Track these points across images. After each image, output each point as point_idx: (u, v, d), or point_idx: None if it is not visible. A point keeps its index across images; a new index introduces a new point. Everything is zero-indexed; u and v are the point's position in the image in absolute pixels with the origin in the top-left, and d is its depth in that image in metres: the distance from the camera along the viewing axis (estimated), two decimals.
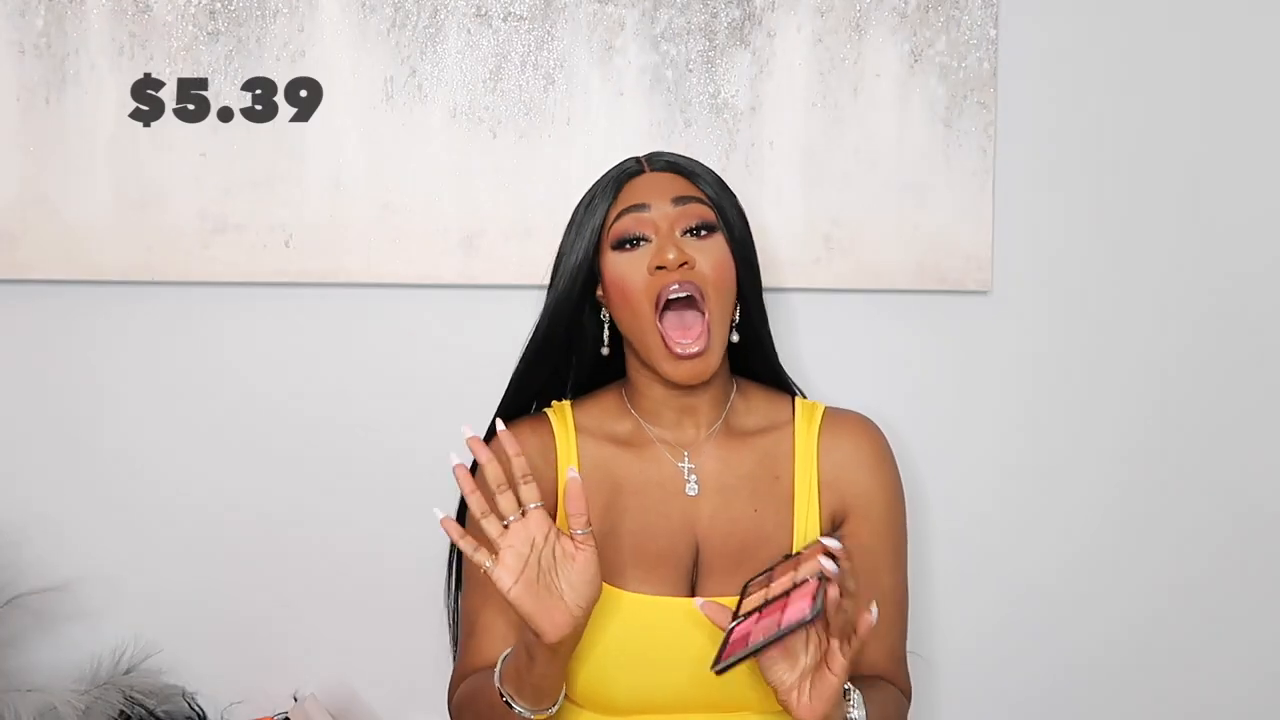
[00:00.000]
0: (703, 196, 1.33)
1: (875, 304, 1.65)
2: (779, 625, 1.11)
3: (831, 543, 1.13)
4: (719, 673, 1.14)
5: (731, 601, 1.25)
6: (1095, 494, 1.68)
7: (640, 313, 1.31)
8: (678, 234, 1.31)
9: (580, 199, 1.37)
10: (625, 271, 1.31)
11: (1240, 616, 1.69)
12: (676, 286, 1.29)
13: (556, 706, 1.24)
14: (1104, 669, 1.70)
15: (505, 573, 1.16)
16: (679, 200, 1.32)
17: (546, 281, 1.55)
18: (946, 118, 1.62)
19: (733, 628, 1.18)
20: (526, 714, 1.22)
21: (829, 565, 1.11)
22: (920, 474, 1.64)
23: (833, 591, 1.11)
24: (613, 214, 1.32)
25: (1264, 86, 1.64)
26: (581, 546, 1.17)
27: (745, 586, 1.25)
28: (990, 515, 1.68)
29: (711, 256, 1.31)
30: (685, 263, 1.29)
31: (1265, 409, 1.68)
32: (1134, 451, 1.68)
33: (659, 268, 1.29)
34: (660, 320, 1.30)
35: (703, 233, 1.31)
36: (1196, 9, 1.63)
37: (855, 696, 1.21)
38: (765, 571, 1.24)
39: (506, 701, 1.22)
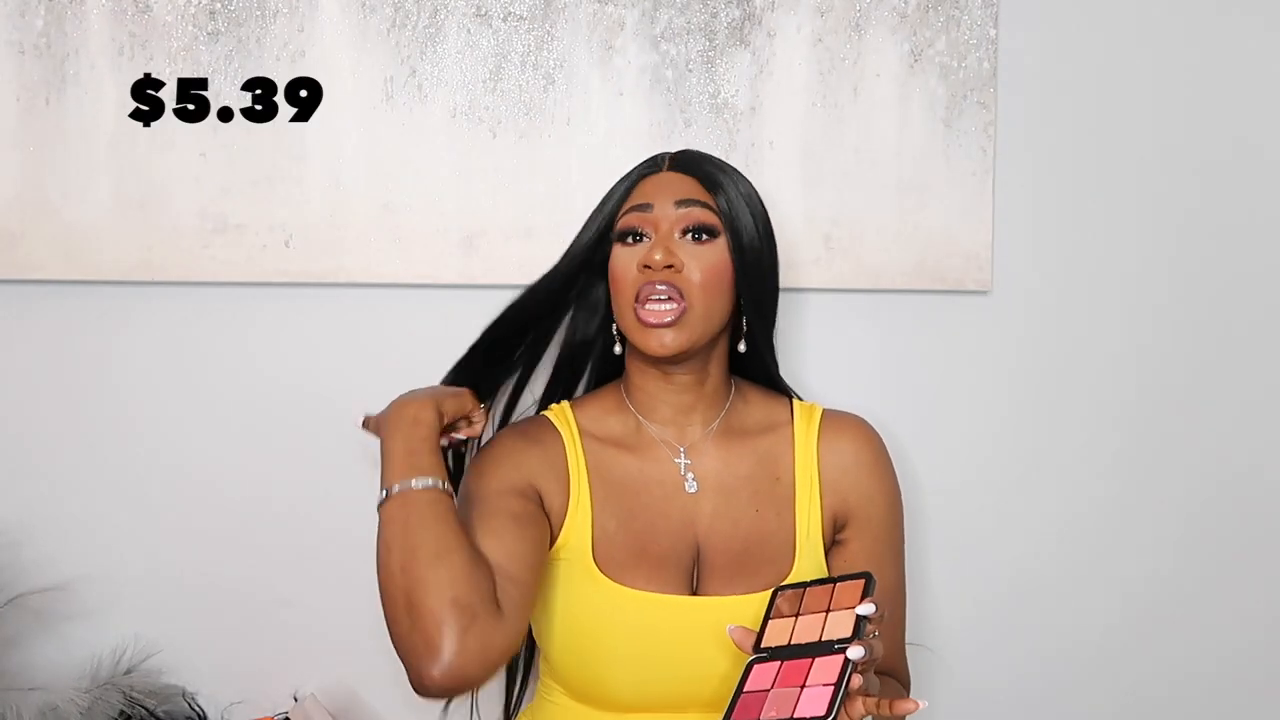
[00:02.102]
0: (709, 201, 1.33)
1: (875, 304, 1.65)
2: (792, 712, 1.12)
3: (866, 608, 1.15)
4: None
5: (740, 607, 1.26)
6: (1093, 490, 1.69)
7: (622, 301, 1.33)
8: (676, 235, 1.32)
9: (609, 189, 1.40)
10: (620, 263, 1.34)
11: (1232, 606, 1.70)
12: (660, 287, 1.30)
13: (432, 482, 1.22)
14: (1103, 665, 1.70)
15: None
16: (682, 203, 1.33)
17: None
18: (946, 118, 1.62)
19: (751, 664, 1.19)
20: (398, 488, 1.21)
21: (857, 653, 1.12)
22: (919, 474, 1.64)
23: (855, 681, 1.12)
24: (622, 209, 1.35)
25: (1264, 86, 1.65)
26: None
27: (774, 594, 1.25)
28: (989, 514, 1.69)
29: (704, 262, 1.31)
30: (671, 265, 1.30)
31: (1263, 405, 1.68)
32: (1132, 448, 1.68)
33: (646, 266, 1.31)
34: (637, 302, 1.31)
35: (702, 237, 1.32)
36: (1196, 9, 1.63)
37: None
38: (800, 586, 1.24)
39: (385, 494, 1.22)
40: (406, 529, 1.18)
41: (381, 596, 1.17)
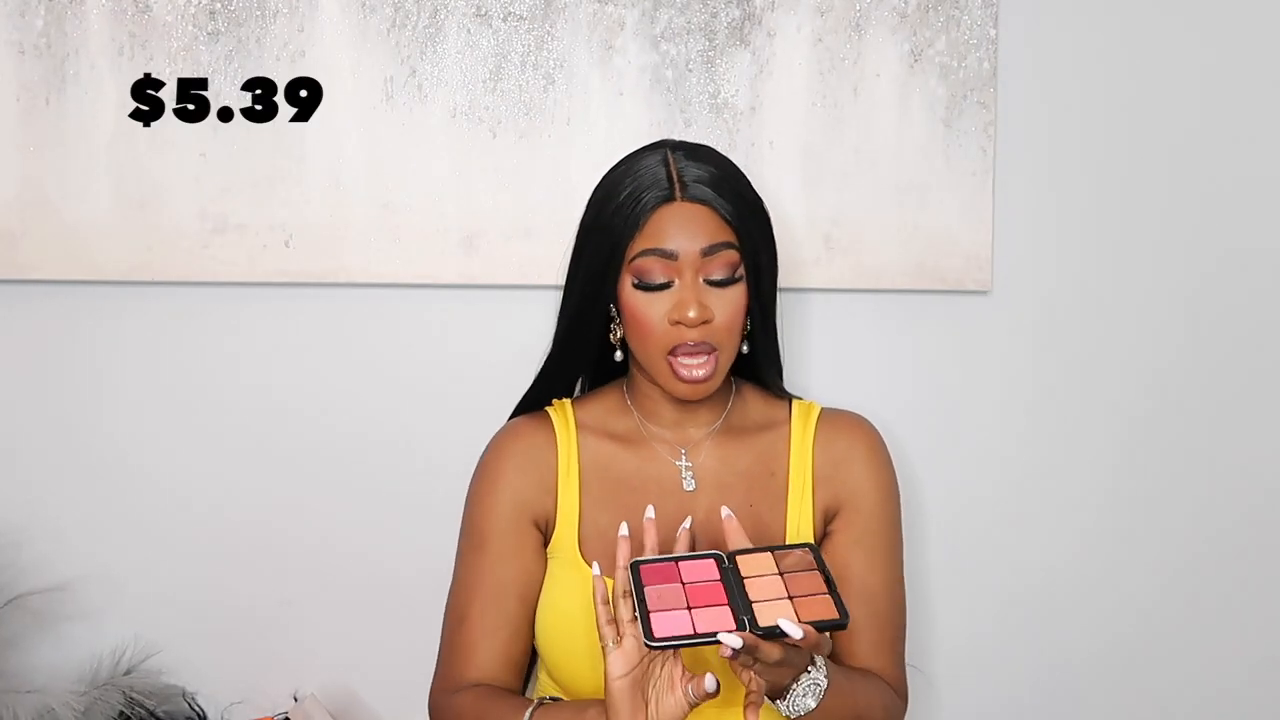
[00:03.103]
0: (732, 239, 1.30)
1: (875, 304, 1.65)
2: (650, 609, 1.16)
3: (793, 630, 1.12)
4: (651, 645, 1.14)
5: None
6: (1094, 492, 1.69)
7: (652, 349, 1.31)
8: (701, 280, 1.29)
9: (605, 185, 1.34)
10: (643, 310, 1.30)
11: (1233, 611, 1.70)
12: (693, 344, 1.29)
13: None
14: (1105, 665, 1.70)
15: (621, 659, 1.18)
16: (709, 250, 1.28)
17: (550, 282, 1.55)
18: (946, 118, 1.62)
19: (711, 555, 1.21)
20: None
21: (730, 639, 1.11)
22: (919, 474, 1.64)
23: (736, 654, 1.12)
24: (637, 245, 1.29)
25: (1263, 86, 1.64)
26: (686, 685, 1.18)
27: (807, 546, 1.23)
28: (989, 514, 1.69)
29: (730, 306, 1.30)
30: (706, 320, 1.28)
31: (1263, 407, 1.68)
32: (1132, 450, 1.68)
33: (678, 322, 1.29)
34: (672, 355, 1.30)
35: (726, 283, 1.30)
36: (1196, 9, 1.63)
37: (820, 660, 1.20)
38: (822, 568, 1.21)
39: None
40: None
41: None
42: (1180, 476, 1.68)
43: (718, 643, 1.11)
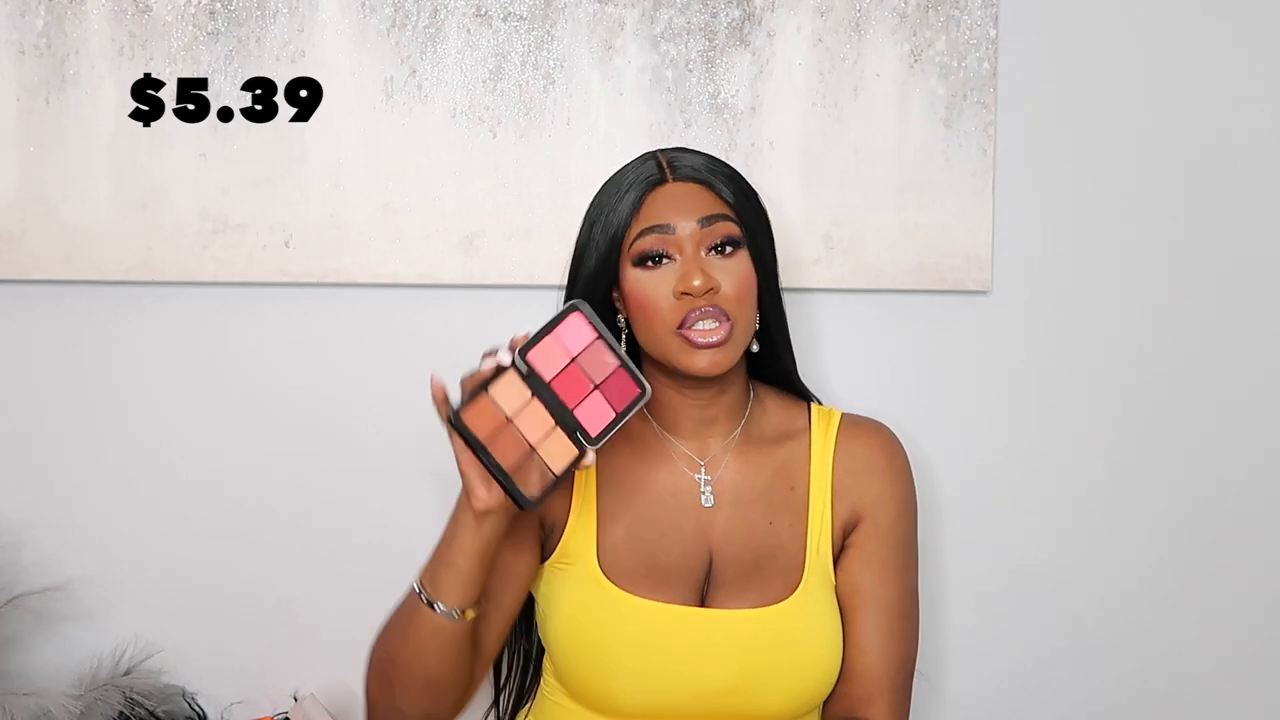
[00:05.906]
0: (728, 212, 1.30)
1: (875, 304, 1.65)
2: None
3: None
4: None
5: (746, 620, 1.29)
6: (1093, 490, 1.69)
7: (659, 329, 1.29)
8: (703, 253, 1.28)
9: (598, 195, 1.34)
10: (647, 290, 1.29)
11: (1230, 603, 1.70)
12: (700, 313, 1.27)
13: (473, 613, 1.24)
14: (1103, 660, 1.70)
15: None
16: (705, 220, 1.29)
17: (550, 281, 1.56)
18: (946, 118, 1.62)
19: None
20: (441, 610, 1.23)
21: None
22: (919, 475, 1.62)
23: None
24: (634, 229, 1.29)
25: (1262, 87, 1.65)
26: None
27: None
28: (988, 514, 1.69)
29: (736, 276, 1.28)
30: (711, 288, 1.27)
31: (1261, 404, 1.68)
32: (1131, 449, 1.68)
33: (684, 293, 1.27)
34: (682, 328, 1.28)
35: (728, 249, 1.29)
36: (1195, 10, 1.63)
37: None
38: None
39: (421, 596, 1.23)
40: (409, 639, 1.26)
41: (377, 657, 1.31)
42: (1179, 474, 1.68)
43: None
